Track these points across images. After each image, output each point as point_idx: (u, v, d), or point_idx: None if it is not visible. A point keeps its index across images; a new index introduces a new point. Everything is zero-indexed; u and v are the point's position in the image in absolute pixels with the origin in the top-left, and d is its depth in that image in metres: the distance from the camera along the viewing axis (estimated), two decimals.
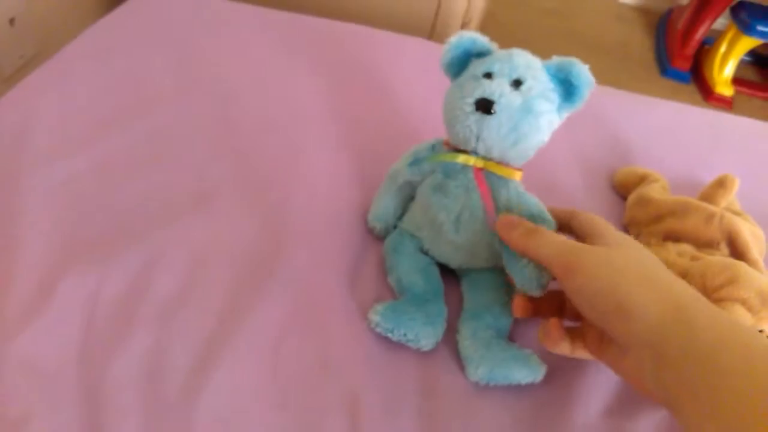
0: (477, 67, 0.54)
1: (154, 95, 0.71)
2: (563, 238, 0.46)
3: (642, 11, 2.74)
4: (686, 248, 0.57)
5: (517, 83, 0.52)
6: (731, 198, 0.63)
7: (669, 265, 0.53)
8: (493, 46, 0.55)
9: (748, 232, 0.57)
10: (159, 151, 0.64)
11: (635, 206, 0.64)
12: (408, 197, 0.60)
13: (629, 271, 0.41)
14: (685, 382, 0.36)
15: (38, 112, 0.66)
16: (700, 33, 2.26)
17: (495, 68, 0.52)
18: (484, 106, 0.50)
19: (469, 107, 0.51)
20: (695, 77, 2.34)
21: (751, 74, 2.46)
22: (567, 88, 0.53)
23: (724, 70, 2.25)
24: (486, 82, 0.52)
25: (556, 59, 0.53)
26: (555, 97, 0.53)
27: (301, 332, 0.52)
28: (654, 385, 0.39)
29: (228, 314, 0.51)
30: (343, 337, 0.52)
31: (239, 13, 0.87)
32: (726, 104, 2.23)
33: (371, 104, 0.75)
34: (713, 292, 0.50)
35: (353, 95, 0.76)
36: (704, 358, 0.36)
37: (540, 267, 0.48)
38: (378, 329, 0.52)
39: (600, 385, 0.52)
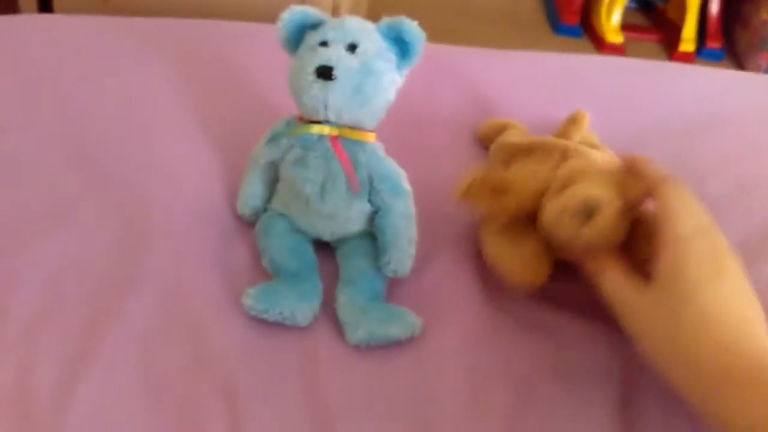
0: (312, 37, 0.55)
1: (0, 120, 0.68)
2: (623, 281, 0.47)
3: None
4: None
5: (352, 47, 0.54)
6: (585, 132, 0.65)
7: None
8: (326, 16, 0.56)
9: (602, 162, 0.59)
10: (6, 176, 0.62)
11: (495, 153, 0.66)
12: (273, 178, 0.60)
13: (665, 347, 0.44)
14: None
15: None
16: None
17: (329, 36, 0.54)
18: (324, 73, 0.52)
19: (311, 76, 0.52)
20: (586, 30, 2.40)
21: (638, 19, 2.54)
22: (401, 46, 0.55)
23: (612, 19, 2.32)
24: (322, 50, 0.53)
25: (386, 19, 0.55)
26: (391, 56, 0.55)
27: (170, 332, 0.51)
28: None
29: (91, 327, 0.50)
30: (217, 328, 0.52)
31: (89, 27, 0.84)
32: (618, 51, 2.29)
33: (231, 95, 0.75)
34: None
35: (212, 90, 0.75)
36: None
37: None
38: (252, 312, 0.51)
39: (472, 335, 0.53)
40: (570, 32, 2.38)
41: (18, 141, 0.66)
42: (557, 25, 2.39)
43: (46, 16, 0.92)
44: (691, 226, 0.45)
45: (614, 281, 0.48)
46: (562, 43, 2.35)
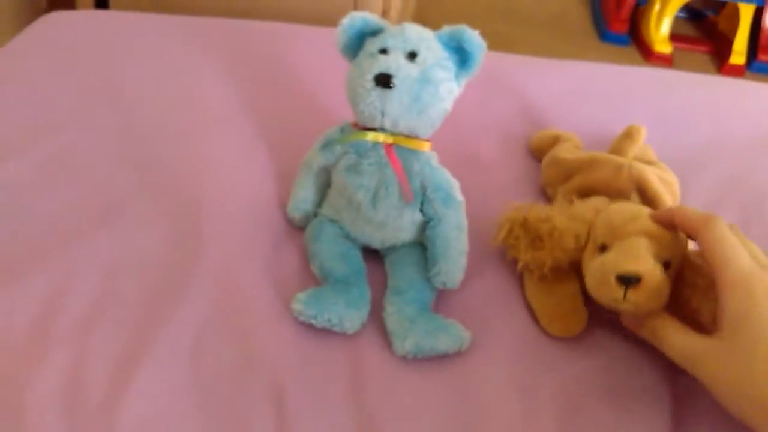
0: (372, 44, 0.55)
1: (57, 116, 0.69)
2: (686, 337, 0.45)
3: None
4: (599, 202, 0.56)
5: (412, 55, 0.53)
6: (640, 148, 0.64)
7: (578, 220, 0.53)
8: (385, 23, 0.56)
9: (657, 180, 0.58)
10: (63, 171, 0.63)
11: (548, 168, 0.65)
12: (325, 184, 0.60)
13: (742, 391, 0.41)
14: None
15: None
16: None
17: (389, 43, 0.54)
18: (384, 80, 0.51)
19: (369, 84, 0.52)
20: (634, 39, 2.37)
21: (688, 29, 2.49)
22: (461, 55, 0.55)
23: (661, 28, 2.28)
24: (382, 57, 0.53)
25: (446, 28, 0.54)
26: (450, 64, 0.55)
27: (221, 332, 0.51)
28: None
29: (144, 324, 0.51)
30: (266, 331, 0.52)
31: (144, 24, 0.86)
32: (666, 62, 2.25)
33: (284, 98, 0.75)
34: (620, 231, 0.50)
35: (266, 91, 0.76)
36: None
37: None
38: (301, 318, 0.51)
39: (521, 351, 0.53)
40: (617, 40, 2.34)
41: (74, 137, 0.67)
42: (604, 33, 2.36)
43: (101, 12, 0.94)
44: (747, 262, 0.43)
45: (675, 337, 0.46)
46: (609, 50, 2.32)
